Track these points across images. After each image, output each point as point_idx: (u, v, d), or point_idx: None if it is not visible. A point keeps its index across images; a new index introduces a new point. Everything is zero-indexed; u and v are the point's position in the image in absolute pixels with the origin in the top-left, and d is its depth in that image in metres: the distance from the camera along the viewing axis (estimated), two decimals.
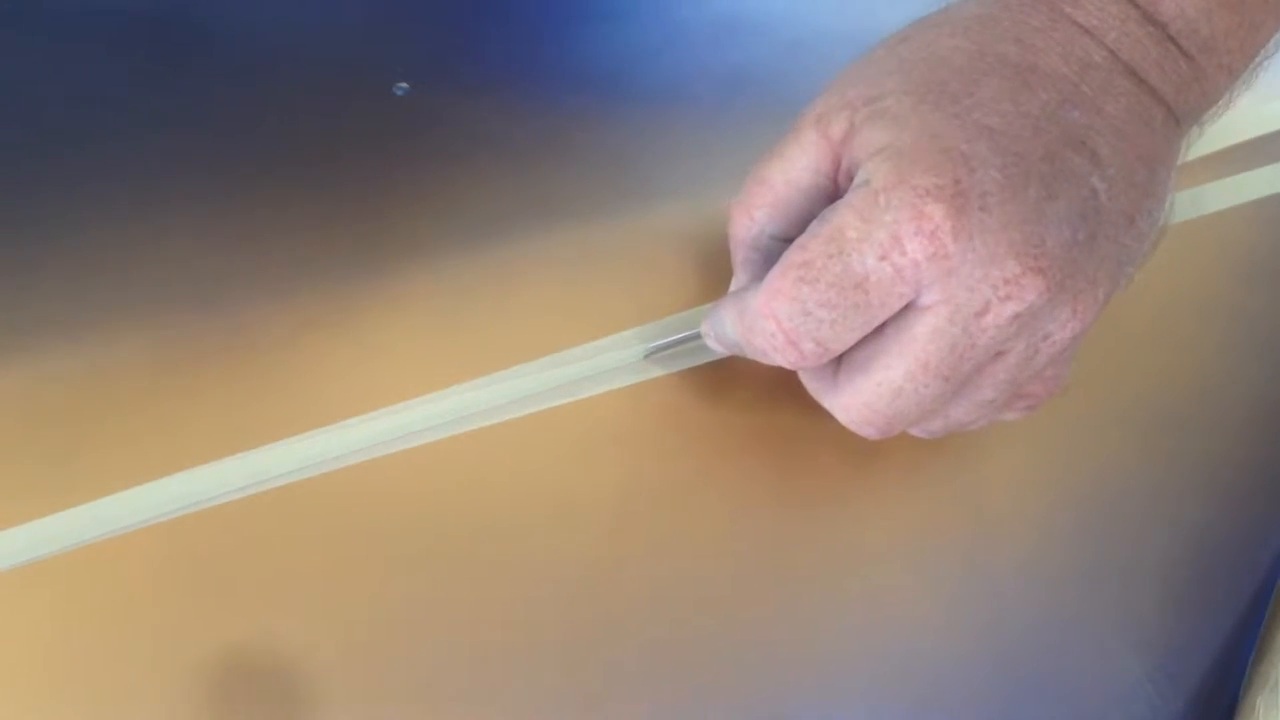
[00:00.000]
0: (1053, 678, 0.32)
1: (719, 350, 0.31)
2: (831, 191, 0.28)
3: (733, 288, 0.30)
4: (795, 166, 0.28)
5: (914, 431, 0.30)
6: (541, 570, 0.30)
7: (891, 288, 0.25)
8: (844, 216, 0.25)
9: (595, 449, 0.32)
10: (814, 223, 0.26)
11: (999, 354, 0.27)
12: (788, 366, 0.28)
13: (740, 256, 0.30)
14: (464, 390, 0.32)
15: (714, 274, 0.34)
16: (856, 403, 0.27)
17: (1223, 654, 0.34)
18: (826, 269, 0.25)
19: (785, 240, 0.29)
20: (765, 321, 0.26)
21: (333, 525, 0.30)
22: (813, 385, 0.30)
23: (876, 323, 0.26)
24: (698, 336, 0.32)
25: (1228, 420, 0.37)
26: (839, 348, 0.27)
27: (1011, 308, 0.25)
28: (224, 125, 0.35)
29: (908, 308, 0.26)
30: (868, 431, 0.28)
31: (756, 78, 0.38)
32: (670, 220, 0.35)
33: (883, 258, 0.25)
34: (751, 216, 0.29)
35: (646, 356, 0.34)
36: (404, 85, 0.36)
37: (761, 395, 0.34)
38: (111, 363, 0.30)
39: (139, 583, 0.28)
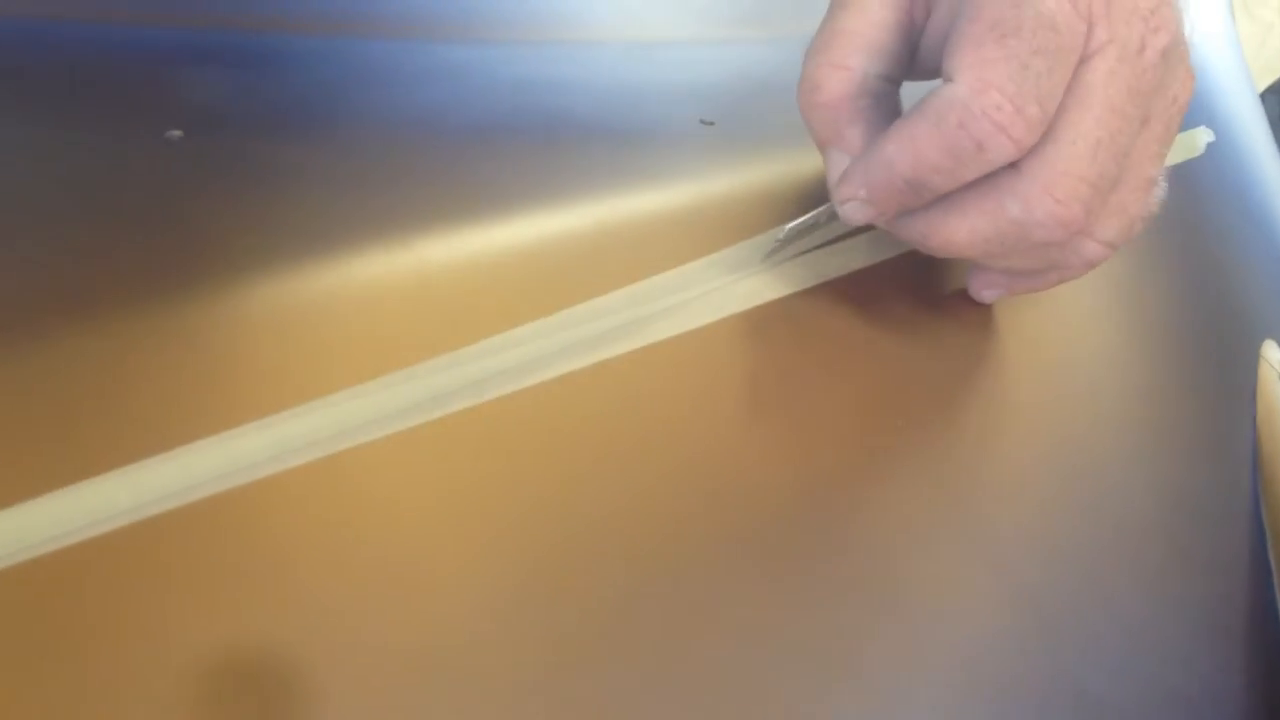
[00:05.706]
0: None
1: (858, 219, 0.28)
2: (909, 25, 0.28)
3: (846, 150, 0.28)
4: (871, 6, 0.28)
5: (1091, 245, 0.28)
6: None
7: (1073, 24, 0.25)
8: None
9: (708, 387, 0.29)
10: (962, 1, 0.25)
11: (1145, 122, 0.27)
12: (1007, 154, 0.25)
13: (845, 114, 0.28)
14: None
15: (553, 287, 0.30)
16: (1058, 173, 0.26)
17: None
18: (1021, 17, 0.25)
19: (892, 80, 0.28)
20: (986, 96, 0.25)
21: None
22: (997, 193, 0.27)
23: (1072, 69, 0.25)
24: (832, 217, 0.29)
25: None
26: (1053, 106, 0.25)
27: (1162, 39, 0.26)
28: None
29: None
30: (1075, 211, 0.26)
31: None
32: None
33: None
34: (847, 67, 0.28)
35: (767, 258, 0.31)
36: (178, 132, 0.32)
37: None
38: None
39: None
